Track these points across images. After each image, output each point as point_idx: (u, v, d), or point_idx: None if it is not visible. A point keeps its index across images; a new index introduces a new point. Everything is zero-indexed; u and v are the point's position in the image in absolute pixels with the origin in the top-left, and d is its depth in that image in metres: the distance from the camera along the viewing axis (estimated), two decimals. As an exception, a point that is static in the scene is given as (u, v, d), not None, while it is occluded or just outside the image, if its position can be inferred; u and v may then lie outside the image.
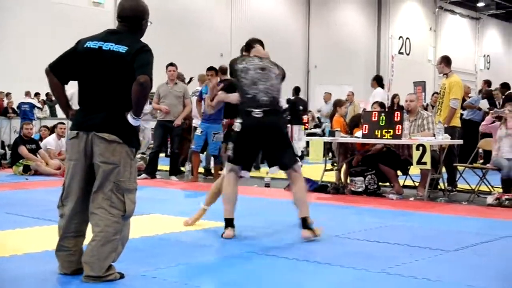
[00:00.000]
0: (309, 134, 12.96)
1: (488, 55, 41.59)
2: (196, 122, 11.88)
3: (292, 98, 15.71)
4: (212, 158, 11.63)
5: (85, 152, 4.22)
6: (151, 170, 11.66)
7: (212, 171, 11.61)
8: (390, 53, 32.23)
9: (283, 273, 4.71)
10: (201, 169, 11.95)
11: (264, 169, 12.58)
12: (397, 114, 9.23)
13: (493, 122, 9.95)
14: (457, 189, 10.04)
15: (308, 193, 6.37)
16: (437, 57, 34.45)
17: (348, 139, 9.95)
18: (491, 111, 10.69)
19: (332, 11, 30.73)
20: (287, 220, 7.20)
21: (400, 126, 9.07)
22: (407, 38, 34.65)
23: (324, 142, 10.61)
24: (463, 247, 5.68)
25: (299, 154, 16.86)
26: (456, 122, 10.13)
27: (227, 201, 6.22)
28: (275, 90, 6.15)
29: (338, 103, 11.76)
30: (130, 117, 4.16)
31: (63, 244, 4.30)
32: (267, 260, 5.08)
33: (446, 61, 10.20)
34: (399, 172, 9.81)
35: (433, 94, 16.10)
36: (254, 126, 6.01)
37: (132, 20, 4.41)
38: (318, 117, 19.88)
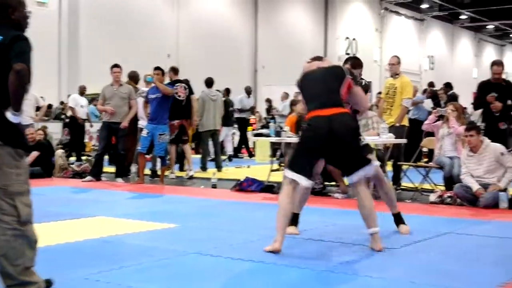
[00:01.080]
0: (256, 135, 12.96)
1: (432, 56, 42.27)
2: (142, 123, 11.81)
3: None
4: (158, 160, 11.54)
5: None
6: (96, 172, 11.53)
7: (159, 172, 11.53)
8: (337, 53, 32.53)
9: (228, 273, 4.71)
10: (147, 171, 11.87)
11: (211, 170, 12.57)
12: (342, 114, 9.30)
13: (436, 121, 10.14)
14: (401, 187, 10.20)
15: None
16: (383, 57, 35.00)
17: (293, 139, 9.99)
18: (434, 110, 10.89)
19: (279, 11, 30.82)
20: (234, 220, 7.23)
21: (344, 125, 9.13)
22: (354, 39, 34.96)
23: (272, 143, 10.66)
24: (406, 244, 5.77)
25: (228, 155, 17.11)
26: (405, 121, 10.34)
27: None
28: None
29: (293, 102, 11.80)
30: (9, 114, 3.78)
31: None
32: (212, 261, 5.07)
33: (400, 61, 10.41)
34: (344, 171, 9.88)
35: (378, 94, 16.27)
36: None
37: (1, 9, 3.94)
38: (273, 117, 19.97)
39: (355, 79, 5.90)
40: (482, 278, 4.57)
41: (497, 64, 9.73)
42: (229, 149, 17.62)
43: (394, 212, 6.44)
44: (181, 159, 13.30)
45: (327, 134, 5.37)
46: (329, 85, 5.58)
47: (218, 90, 14.65)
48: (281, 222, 5.44)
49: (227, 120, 16.62)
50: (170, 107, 11.31)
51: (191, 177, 12.10)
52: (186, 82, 12.45)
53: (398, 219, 6.43)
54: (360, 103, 5.92)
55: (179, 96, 11.93)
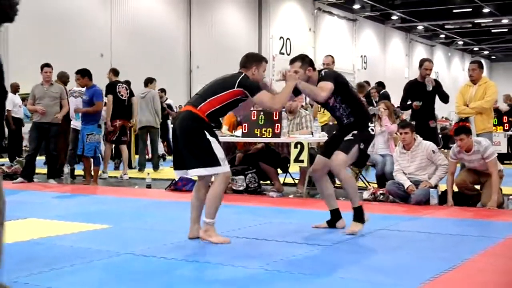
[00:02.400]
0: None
1: (365, 56, 42.91)
2: (74, 123, 11.62)
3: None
4: (92, 160, 11.35)
5: None
6: (27, 173, 11.29)
7: (92, 173, 11.33)
8: (271, 53, 32.68)
9: (161, 274, 4.66)
10: (81, 172, 11.67)
11: (148, 170, 12.46)
12: (276, 113, 9.36)
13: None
14: (336, 185, 10.28)
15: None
16: (316, 57, 35.30)
17: (227, 138, 9.98)
18: (366, 109, 11.02)
19: (213, 11, 30.76)
20: (168, 220, 7.18)
21: (279, 124, 9.21)
22: (288, 38, 35.18)
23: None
24: (339, 242, 5.83)
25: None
26: (339, 120, 10.44)
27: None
28: None
29: None
30: None
31: None
32: (145, 261, 5.02)
33: (334, 61, 10.51)
34: (279, 170, 9.95)
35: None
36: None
37: None
38: None
39: (249, 87, 5.80)
40: (411, 273, 4.65)
41: (429, 60, 9.92)
42: (161, 148, 17.37)
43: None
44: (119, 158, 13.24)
45: (174, 129, 5.89)
46: (211, 88, 5.89)
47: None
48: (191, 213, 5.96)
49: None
50: (113, 107, 11.36)
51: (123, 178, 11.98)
52: (127, 83, 12.46)
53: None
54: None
55: (122, 95, 11.91)
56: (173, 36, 28.49)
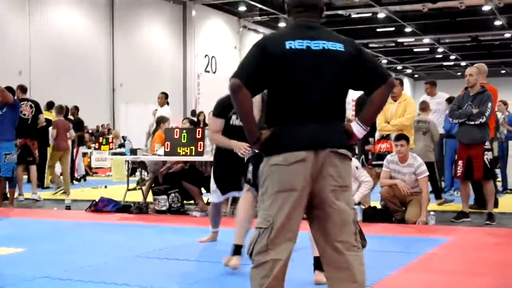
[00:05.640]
0: (113, 154, 12.63)
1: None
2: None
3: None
4: (7, 182, 10.84)
5: (311, 178, 3.26)
6: None
7: (8, 195, 10.81)
8: (196, 71, 32.60)
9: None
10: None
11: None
12: (199, 131, 9.26)
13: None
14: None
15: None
16: (242, 75, 35.35)
17: (150, 157, 9.82)
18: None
19: (137, 27, 30.44)
20: (87, 242, 7.00)
21: (202, 143, 9.10)
22: (213, 56, 35.18)
23: (129, 161, 10.38)
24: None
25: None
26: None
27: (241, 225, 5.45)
28: None
29: (161, 120, 11.47)
30: (357, 126, 3.41)
31: None
32: (61, 285, 4.85)
33: None
34: (203, 190, 9.83)
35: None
36: None
37: (318, 9, 3.49)
38: None
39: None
40: None
41: None
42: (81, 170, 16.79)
43: None
44: (41, 178, 12.85)
45: None
46: None
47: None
48: None
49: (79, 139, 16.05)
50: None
51: (37, 200, 11.49)
52: (33, 102, 11.96)
53: None
54: None
55: (24, 114, 11.39)
56: (95, 53, 28.01)
